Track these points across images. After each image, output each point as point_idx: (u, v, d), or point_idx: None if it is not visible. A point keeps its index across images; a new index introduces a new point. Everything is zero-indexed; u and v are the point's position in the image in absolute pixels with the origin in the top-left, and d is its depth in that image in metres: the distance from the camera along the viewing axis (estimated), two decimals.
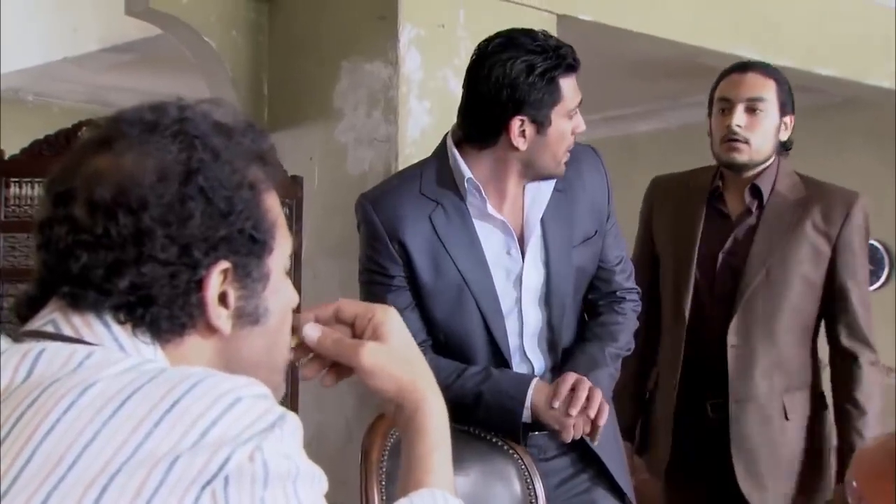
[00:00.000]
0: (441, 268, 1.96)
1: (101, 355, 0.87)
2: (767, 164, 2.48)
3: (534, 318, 2.03)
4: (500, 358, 2.00)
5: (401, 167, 2.86)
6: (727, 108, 2.45)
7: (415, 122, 3.12)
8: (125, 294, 0.89)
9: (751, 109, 2.43)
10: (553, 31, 3.38)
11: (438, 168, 2.00)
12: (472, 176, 1.95)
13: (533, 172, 1.97)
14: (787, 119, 2.48)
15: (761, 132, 2.44)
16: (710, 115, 2.53)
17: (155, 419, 0.81)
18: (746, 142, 2.43)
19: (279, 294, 0.98)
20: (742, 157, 2.44)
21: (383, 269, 1.97)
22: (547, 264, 2.01)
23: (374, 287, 1.99)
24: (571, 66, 1.90)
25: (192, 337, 0.92)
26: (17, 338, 0.92)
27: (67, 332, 0.90)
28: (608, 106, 6.02)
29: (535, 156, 1.93)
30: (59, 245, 0.90)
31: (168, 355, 0.91)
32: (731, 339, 2.42)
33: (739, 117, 2.42)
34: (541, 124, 1.90)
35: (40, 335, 0.90)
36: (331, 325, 1.06)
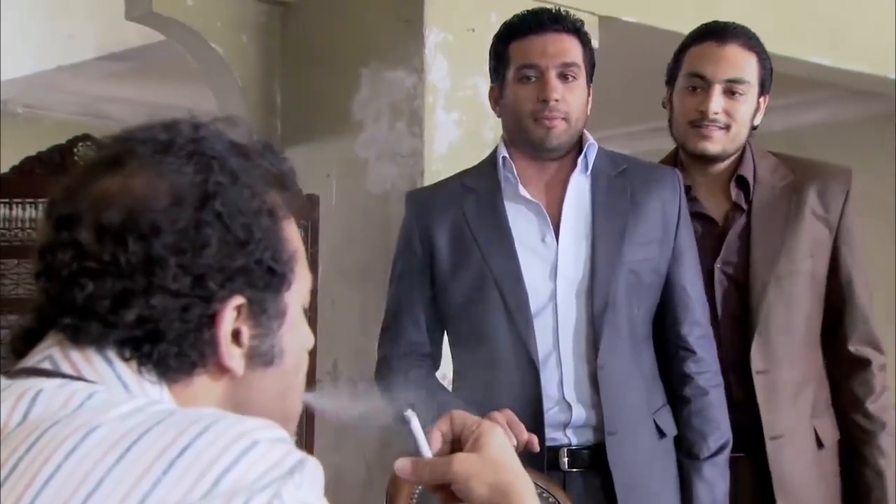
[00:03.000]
0: (464, 250, 2.06)
1: (104, 396, 0.88)
2: (739, 152, 2.32)
3: (573, 315, 2.03)
4: (527, 360, 1.99)
5: (427, 185, 2.88)
6: (701, 87, 2.26)
7: (442, 135, 3.13)
8: (132, 328, 0.90)
9: (730, 92, 2.26)
10: (595, 34, 3.42)
11: (486, 162, 2.16)
12: (507, 155, 2.08)
13: (520, 141, 2.09)
14: (762, 100, 2.31)
15: (740, 118, 2.26)
16: (669, 82, 2.36)
17: (163, 466, 0.81)
18: (725, 128, 2.25)
19: (295, 333, 0.99)
20: (715, 146, 2.26)
21: (405, 260, 2.12)
22: (593, 246, 2.04)
23: (392, 280, 2.13)
24: (519, 30, 2.09)
25: (201, 377, 0.93)
26: (12, 375, 0.92)
27: (66, 369, 0.90)
28: (654, 116, 5.99)
29: (505, 122, 2.13)
30: (62, 272, 0.91)
31: (175, 397, 0.92)
32: (756, 364, 2.26)
33: (718, 101, 2.24)
34: (500, 89, 2.12)
35: (37, 372, 0.91)
36: (449, 435, 1.11)
